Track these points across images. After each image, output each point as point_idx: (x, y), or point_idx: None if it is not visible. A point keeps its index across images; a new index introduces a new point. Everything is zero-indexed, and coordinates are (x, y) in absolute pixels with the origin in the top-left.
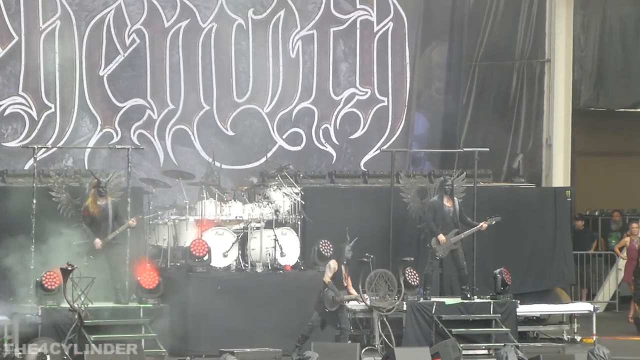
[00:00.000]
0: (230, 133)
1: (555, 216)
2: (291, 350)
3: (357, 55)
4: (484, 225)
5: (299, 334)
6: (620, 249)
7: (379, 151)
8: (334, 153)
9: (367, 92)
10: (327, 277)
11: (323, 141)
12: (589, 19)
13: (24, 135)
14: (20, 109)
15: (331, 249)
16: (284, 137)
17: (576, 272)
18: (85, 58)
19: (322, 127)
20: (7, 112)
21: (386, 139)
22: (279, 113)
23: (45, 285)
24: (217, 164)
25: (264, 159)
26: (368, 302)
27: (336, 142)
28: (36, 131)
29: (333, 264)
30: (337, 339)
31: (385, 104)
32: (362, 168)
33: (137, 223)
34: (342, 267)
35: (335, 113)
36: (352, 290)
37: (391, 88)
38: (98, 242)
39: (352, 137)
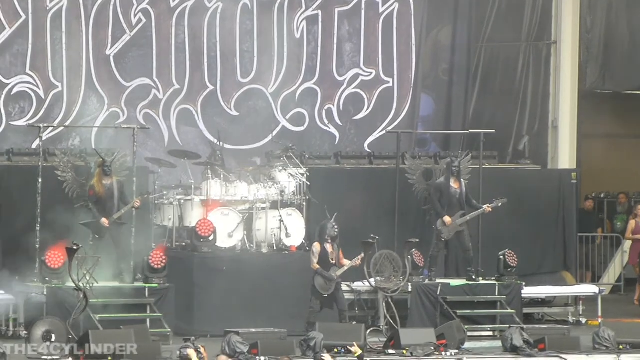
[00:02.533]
0: (234, 113)
1: (560, 198)
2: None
3: (362, 36)
4: (487, 208)
5: (305, 321)
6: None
7: (384, 132)
8: (337, 134)
9: (371, 73)
10: (314, 264)
11: (326, 122)
12: (596, 0)
13: (31, 114)
14: (28, 88)
15: (336, 229)
16: (287, 117)
17: (581, 255)
18: (92, 37)
19: (326, 108)
20: (15, 91)
21: (391, 120)
22: (283, 93)
23: (48, 264)
24: (221, 144)
25: (267, 139)
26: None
27: (339, 123)
28: (43, 110)
29: (315, 247)
30: (339, 321)
31: (390, 85)
32: (366, 149)
33: (142, 202)
34: (327, 245)
35: (339, 94)
36: (345, 262)
37: (396, 69)
38: (105, 220)
39: (355, 118)
